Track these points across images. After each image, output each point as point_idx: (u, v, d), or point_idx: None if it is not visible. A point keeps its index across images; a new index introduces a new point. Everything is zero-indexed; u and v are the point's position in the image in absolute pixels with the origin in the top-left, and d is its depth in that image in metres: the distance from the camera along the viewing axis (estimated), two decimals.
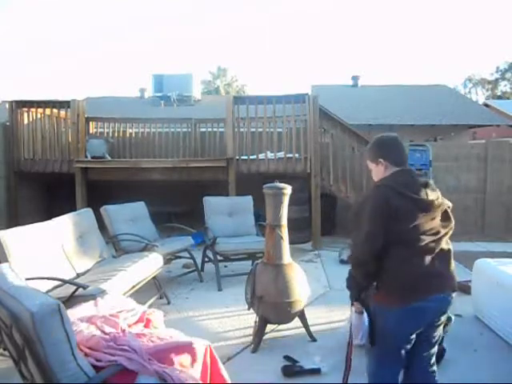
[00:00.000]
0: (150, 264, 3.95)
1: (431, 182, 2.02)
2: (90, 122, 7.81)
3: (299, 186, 6.27)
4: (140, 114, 9.90)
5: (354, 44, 58.12)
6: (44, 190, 7.78)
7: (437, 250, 1.88)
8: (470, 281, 4.05)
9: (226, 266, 5.36)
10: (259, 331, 3.18)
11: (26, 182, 7.29)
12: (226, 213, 5.51)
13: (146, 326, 2.46)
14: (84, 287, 3.01)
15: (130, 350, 1.98)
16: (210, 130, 7.93)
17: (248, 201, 5.64)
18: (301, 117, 6.91)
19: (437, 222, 1.91)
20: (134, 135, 8.07)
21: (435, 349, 2.02)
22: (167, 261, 4.77)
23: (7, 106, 7.46)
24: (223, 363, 2.34)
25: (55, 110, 7.25)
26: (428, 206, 1.88)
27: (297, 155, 6.67)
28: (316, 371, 2.80)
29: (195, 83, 15.59)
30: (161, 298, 4.21)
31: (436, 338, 1.98)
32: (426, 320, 1.89)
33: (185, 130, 7.96)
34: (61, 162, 7.00)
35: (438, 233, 1.90)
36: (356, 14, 54.31)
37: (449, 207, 2.01)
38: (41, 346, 1.71)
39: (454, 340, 2.82)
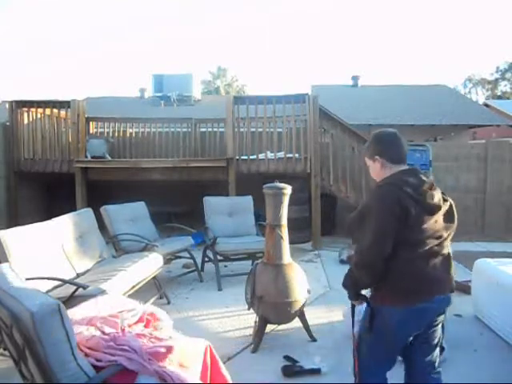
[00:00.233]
0: (150, 264, 3.95)
1: (433, 180, 1.97)
2: (90, 122, 7.81)
3: (299, 186, 6.27)
4: (140, 114, 9.91)
5: (354, 44, 58.22)
6: (44, 190, 7.79)
7: (440, 254, 1.86)
8: (469, 281, 4.04)
9: (226, 266, 5.36)
10: (259, 331, 3.18)
11: (26, 182, 7.29)
12: (226, 213, 5.51)
13: (146, 326, 2.46)
14: (84, 287, 3.01)
15: (130, 350, 1.98)
16: (210, 130, 7.94)
17: (248, 201, 5.64)
18: (301, 117, 6.91)
19: (440, 223, 1.87)
20: (134, 135, 8.07)
21: (437, 351, 2.00)
22: (167, 261, 4.77)
23: (7, 105, 7.46)
24: (223, 363, 2.34)
25: (55, 110, 7.25)
26: (434, 209, 1.84)
27: (297, 155, 6.67)
28: (316, 371, 2.80)
29: (195, 83, 15.60)
30: (161, 297, 4.22)
31: (436, 340, 1.97)
32: (426, 320, 1.89)
33: (185, 129, 7.97)
34: (61, 162, 7.00)
35: (441, 236, 1.86)
36: (356, 13, 54.38)
37: (452, 205, 1.95)
38: (41, 346, 1.71)
39: (454, 340, 2.82)
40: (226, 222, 5.42)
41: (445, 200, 1.93)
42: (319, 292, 4.43)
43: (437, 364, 2.00)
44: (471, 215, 7.82)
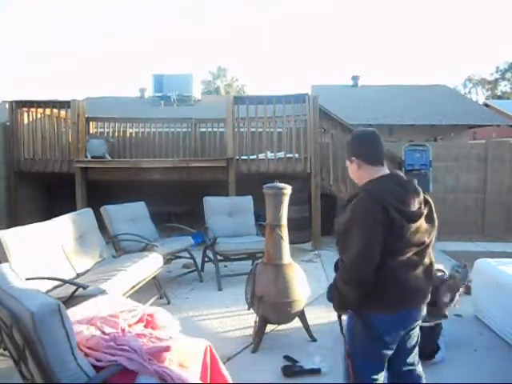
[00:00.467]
0: (150, 264, 3.95)
1: (416, 183, 1.91)
2: (90, 122, 7.81)
3: (299, 186, 6.28)
4: (140, 114, 9.91)
5: (354, 44, 58.22)
6: (44, 190, 7.79)
7: (420, 264, 1.82)
8: (470, 281, 4.04)
9: (226, 266, 5.36)
10: (259, 331, 3.18)
11: (26, 182, 7.29)
12: (226, 213, 5.51)
13: (146, 326, 2.46)
14: (84, 287, 3.01)
15: (130, 350, 1.98)
16: (210, 130, 7.94)
17: (248, 201, 5.64)
18: (301, 117, 6.91)
19: (422, 229, 1.81)
20: (134, 135, 8.07)
21: (416, 349, 2.00)
22: (167, 261, 4.77)
23: (7, 106, 7.47)
24: (223, 363, 2.34)
25: (55, 110, 7.25)
26: (416, 217, 1.79)
27: (297, 155, 6.67)
28: (316, 371, 2.80)
29: (195, 83, 15.60)
30: (161, 298, 4.22)
31: (414, 342, 1.95)
32: (410, 325, 1.88)
33: (185, 130, 7.97)
34: (61, 162, 7.00)
35: (423, 243, 1.82)
36: (356, 14, 54.39)
37: (431, 207, 1.90)
38: (41, 346, 1.71)
39: (454, 340, 2.82)
40: (226, 221, 5.42)
41: (425, 202, 1.87)
42: (319, 292, 4.42)
43: (416, 361, 2.00)
44: (471, 215, 7.82)
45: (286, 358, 2.97)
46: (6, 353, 2.30)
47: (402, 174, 1.92)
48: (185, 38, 58.48)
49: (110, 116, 8.24)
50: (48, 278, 3.14)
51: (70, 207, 5.52)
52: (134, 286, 3.57)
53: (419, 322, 1.93)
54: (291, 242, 3.43)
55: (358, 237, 1.72)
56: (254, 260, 4.81)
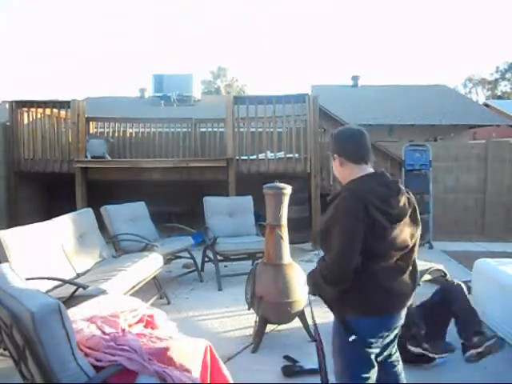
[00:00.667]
0: (150, 264, 3.95)
1: (399, 182, 1.87)
2: (90, 122, 7.80)
3: (299, 186, 6.27)
4: (140, 114, 9.90)
5: (354, 44, 58.22)
6: (44, 190, 7.79)
7: (406, 269, 1.82)
8: (470, 281, 4.05)
9: (226, 266, 5.36)
10: (259, 331, 3.18)
11: (26, 182, 7.28)
12: (226, 213, 5.51)
13: (146, 326, 2.46)
14: (84, 287, 3.01)
15: (130, 350, 1.98)
16: (210, 129, 7.93)
17: (248, 201, 5.64)
18: (301, 117, 6.91)
19: (406, 231, 1.79)
20: (134, 135, 8.06)
21: (395, 347, 2.01)
22: (167, 261, 4.77)
23: (7, 106, 7.47)
24: (223, 363, 2.34)
25: (55, 110, 7.25)
26: (400, 217, 1.77)
27: (297, 155, 6.67)
28: (316, 371, 2.79)
29: (195, 83, 15.60)
30: (161, 298, 4.22)
31: (392, 337, 1.94)
32: (389, 329, 1.87)
33: (185, 130, 7.96)
34: (61, 162, 7.00)
35: (407, 246, 1.80)
36: (356, 14, 54.39)
37: (415, 207, 1.87)
38: (41, 346, 1.71)
39: (454, 340, 2.82)
40: (226, 222, 5.42)
41: (409, 203, 1.84)
42: None
43: (395, 357, 2.01)
44: (471, 215, 7.82)
45: (286, 358, 2.97)
46: (6, 353, 2.30)
47: (386, 173, 1.88)
48: (185, 38, 58.54)
49: (110, 116, 8.23)
50: (48, 278, 3.14)
51: (70, 207, 5.52)
52: (134, 286, 3.57)
53: (402, 321, 1.92)
54: (291, 242, 3.43)
55: (339, 235, 1.70)
56: (254, 260, 4.81)
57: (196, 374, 2.07)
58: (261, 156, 6.72)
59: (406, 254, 1.81)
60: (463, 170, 7.86)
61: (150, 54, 51.54)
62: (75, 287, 3.00)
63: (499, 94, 31.50)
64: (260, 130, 6.80)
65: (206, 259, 5.27)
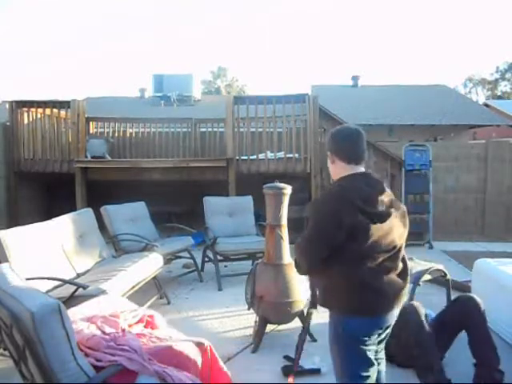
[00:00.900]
0: (150, 264, 3.95)
1: (384, 182, 1.88)
2: (90, 122, 7.80)
3: (299, 186, 6.26)
4: (140, 114, 9.90)
5: (354, 44, 58.21)
6: (44, 190, 7.79)
7: (394, 269, 1.82)
8: (469, 281, 4.05)
9: (226, 266, 5.36)
10: (259, 331, 3.18)
11: (26, 182, 7.29)
12: (226, 213, 5.51)
13: (146, 326, 2.46)
14: (84, 287, 3.01)
15: (130, 350, 1.98)
16: (210, 129, 7.93)
17: (248, 201, 5.64)
18: (301, 117, 6.91)
19: (393, 232, 1.80)
20: (134, 135, 8.06)
21: (383, 351, 2.01)
22: (167, 261, 4.77)
23: (7, 106, 7.47)
24: (223, 363, 2.34)
25: (55, 110, 7.25)
26: (383, 218, 1.77)
27: (297, 155, 6.67)
28: (316, 371, 2.80)
29: (195, 83, 15.60)
30: (161, 298, 4.22)
31: (383, 336, 1.95)
32: (382, 328, 1.88)
33: (185, 130, 7.96)
34: (61, 162, 7.00)
35: (394, 247, 1.81)
36: (356, 14, 54.37)
37: (405, 211, 1.90)
38: (41, 346, 1.71)
39: (454, 340, 2.82)
40: (226, 222, 5.42)
41: (398, 206, 1.86)
42: None
43: (381, 355, 2.01)
44: (471, 215, 7.82)
45: (286, 358, 2.97)
46: (6, 353, 2.30)
47: (374, 174, 1.90)
48: (185, 38, 58.52)
49: (110, 116, 8.23)
50: (48, 278, 3.14)
51: (70, 207, 5.52)
52: (134, 286, 3.57)
53: (394, 320, 1.93)
54: (291, 242, 3.42)
55: (313, 226, 1.80)
56: (254, 260, 4.81)
57: (196, 373, 2.07)
58: (261, 156, 6.72)
59: (393, 254, 1.82)
60: (463, 170, 7.86)
61: (150, 54, 51.60)
62: (75, 287, 3.00)
63: (499, 94, 31.50)
64: (260, 129, 6.80)
65: (206, 259, 5.27)
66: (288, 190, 3.27)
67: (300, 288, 3.23)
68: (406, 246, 1.92)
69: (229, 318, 3.84)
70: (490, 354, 2.63)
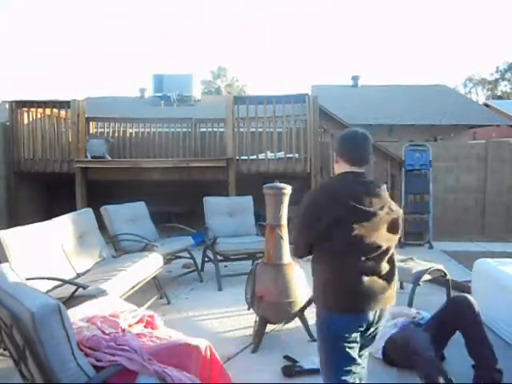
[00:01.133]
0: (150, 264, 3.95)
1: (381, 188, 1.92)
2: (90, 122, 7.81)
3: (299, 186, 6.25)
4: (140, 114, 9.90)
5: (354, 44, 58.17)
6: (44, 190, 7.79)
7: (376, 270, 1.84)
8: (469, 281, 4.05)
9: (226, 266, 5.36)
10: (259, 331, 3.18)
11: (26, 182, 7.29)
12: (226, 213, 5.51)
13: (146, 326, 2.46)
14: (84, 287, 3.01)
15: (130, 350, 1.98)
16: (210, 130, 7.93)
17: (248, 201, 5.64)
18: (301, 117, 6.91)
19: (380, 234, 1.84)
20: (134, 135, 8.06)
21: (366, 352, 2.01)
22: (167, 261, 4.77)
23: (7, 106, 7.47)
24: (223, 363, 2.35)
25: (55, 110, 7.25)
26: (369, 217, 1.81)
27: (297, 155, 6.67)
28: (316, 371, 2.78)
29: (195, 83, 15.60)
30: (161, 298, 4.22)
31: (372, 337, 1.97)
32: (362, 327, 1.89)
33: (185, 130, 7.96)
34: (61, 162, 7.00)
35: (378, 248, 1.84)
36: (356, 14, 54.33)
37: (398, 217, 1.93)
38: (41, 346, 1.71)
39: (454, 340, 2.82)
40: (226, 222, 5.42)
41: (391, 210, 1.89)
42: None
43: (366, 354, 2.03)
44: (471, 215, 7.82)
45: (286, 357, 2.97)
46: (6, 353, 2.30)
47: (370, 177, 1.99)
48: (185, 38, 58.51)
49: (110, 116, 8.24)
50: (48, 278, 3.14)
51: (70, 207, 5.52)
52: (134, 286, 3.57)
53: (382, 323, 1.94)
54: (291, 242, 3.42)
55: (301, 218, 1.97)
56: (254, 260, 4.81)
57: (196, 373, 2.07)
58: (261, 156, 6.72)
59: (379, 255, 1.85)
60: (463, 170, 7.86)
61: (150, 54, 51.53)
62: (75, 287, 3.00)
63: (499, 94, 31.49)
64: (260, 129, 6.80)
65: (206, 259, 5.27)
66: (288, 189, 3.27)
67: (300, 288, 3.23)
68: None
69: (229, 317, 3.84)
70: (487, 354, 2.63)
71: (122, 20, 56.34)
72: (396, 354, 2.81)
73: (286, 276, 3.20)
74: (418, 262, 4.03)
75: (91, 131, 7.80)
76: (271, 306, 3.17)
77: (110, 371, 1.89)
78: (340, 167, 1.98)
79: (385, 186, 1.96)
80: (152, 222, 5.34)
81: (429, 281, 3.93)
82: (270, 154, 6.75)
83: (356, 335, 1.86)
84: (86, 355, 1.97)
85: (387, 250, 1.87)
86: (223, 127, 7.32)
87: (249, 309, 3.39)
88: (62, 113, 7.31)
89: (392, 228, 1.90)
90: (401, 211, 1.96)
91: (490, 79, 32.52)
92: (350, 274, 1.83)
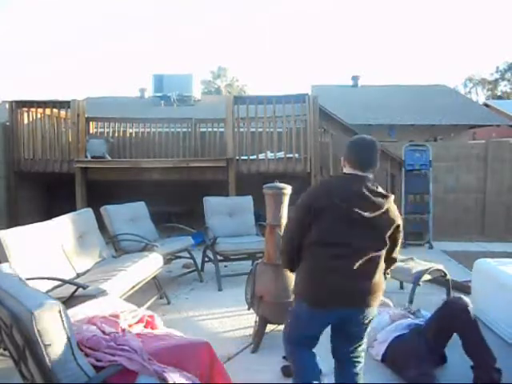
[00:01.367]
0: (150, 264, 3.95)
1: (382, 195, 1.95)
2: (90, 122, 7.80)
3: (299, 186, 6.25)
4: (140, 114, 9.91)
5: (354, 44, 58.19)
6: (44, 190, 7.79)
7: (351, 269, 1.89)
8: (469, 281, 4.05)
9: (226, 266, 5.36)
10: (259, 331, 3.18)
11: (26, 182, 7.29)
12: (226, 213, 5.51)
13: (146, 326, 2.46)
14: (84, 287, 3.01)
15: (130, 350, 1.98)
16: (210, 130, 7.93)
17: (248, 201, 5.64)
18: (301, 117, 6.91)
19: (364, 234, 1.90)
20: (134, 135, 8.06)
21: (357, 346, 2.11)
22: (167, 261, 4.77)
23: (7, 106, 7.47)
24: (223, 363, 2.34)
25: (55, 110, 7.25)
26: (354, 215, 1.88)
27: (297, 155, 6.67)
28: None
29: (195, 83, 15.59)
30: (161, 298, 4.22)
31: (355, 335, 2.07)
32: (330, 321, 2.04)
33: (185, 129, 7.96)
34: (61, 162, 7.00)
35: (359, 249, 1.90)
36: (356, 14, 54.35)
37: (398, 226, 1.99)
38: (41, 346, 1.71)
39: (454, 340, 2.82)
40: (226, 222, 5.42)
41: (389, 217, 1.95)
42: None
43: (357, 354, 2.13)
44: (471, 215, 7.82)
45: (286, 358, 2.97)
46: (6, 353, 2.30)
47: (372, 182, 2.01)
48: (185, 38, 58.50)
49: (109, 116, 8.23)
50: (48, 278, 3.14)
51: (70, 207, 5.52)
52: (134, 286, 3.57)
53: (362, 320, 2.00)
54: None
55: (292, 215, 2.07)
56: (254, 260, 4.81)
57: (196, 373, 2.07)
58: (261, 156, 6.72)
59: (357, 255, 1.90)
60: (463, 170, 7.86)
61: (150, 54, 51.58)
62: (75, 287, 3.00)
63: (499, 94, 31.48)
64: (260, 130, 6.80)
65: (206, 259, 5.27)
66: (288, 190, 3.28)
67: None
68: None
69: (229, 318, 3.83)
70: (485, 354, 2.62)
71: (121, 20, 56.41)
72: (395, 367, 2.81)
73: (286, 276, 3.18)
74: (418, 262, 4.03)
75: (91, 131, 7.80)
76: (271, 306, 3.16)
77: (110, 371, 1.89)
78: (345, 171, 2.08)
79: (392, 196, 2.00)
80: (152, 222, 5.34)
81: (429, 281, 3.93)
82: (270, 154, 6.75)
83: (320, 328, 2.06)
84: (86, 355, 1.97)
85: (366, 251, 1.91)
86: (223, 127, 7.31)
87: (249, 309, 3.39)
88: (62, 113, 7.31)
89: (382, 233, 1.94)
90: (399, 220, 2.00)
91: (489, 79, 32.52)
92: (317, 268, 1.94)
